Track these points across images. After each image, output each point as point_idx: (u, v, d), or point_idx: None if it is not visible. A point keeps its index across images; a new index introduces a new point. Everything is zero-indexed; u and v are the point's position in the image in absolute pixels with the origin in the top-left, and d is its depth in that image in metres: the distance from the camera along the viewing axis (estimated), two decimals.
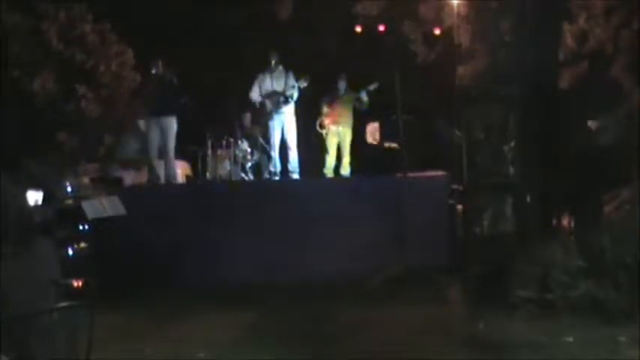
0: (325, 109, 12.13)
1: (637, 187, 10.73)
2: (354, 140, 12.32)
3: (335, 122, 12.05)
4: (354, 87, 12.24)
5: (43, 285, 4.72)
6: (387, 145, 12.39)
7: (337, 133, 12.08)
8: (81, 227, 9.79)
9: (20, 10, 14.01)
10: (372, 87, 11.99)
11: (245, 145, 12.45)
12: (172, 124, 11.19)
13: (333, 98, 12.19)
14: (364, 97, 12.01)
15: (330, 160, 12.07)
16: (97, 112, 14.48)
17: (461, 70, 13.46)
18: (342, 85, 12.19)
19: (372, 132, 12.91)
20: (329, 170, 12.06)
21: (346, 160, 12.13)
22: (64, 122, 14.33)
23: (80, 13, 14.69)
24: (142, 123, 11.55)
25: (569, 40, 10.64)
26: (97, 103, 14.52)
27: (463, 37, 13.72)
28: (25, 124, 13.48)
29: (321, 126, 12.10)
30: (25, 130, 13.38)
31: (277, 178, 11.76)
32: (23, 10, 14.06)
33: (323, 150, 12.16)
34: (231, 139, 12.23)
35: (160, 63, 11.35)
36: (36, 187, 10.71)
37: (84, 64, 14.57)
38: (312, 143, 12.36)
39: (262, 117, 11.97)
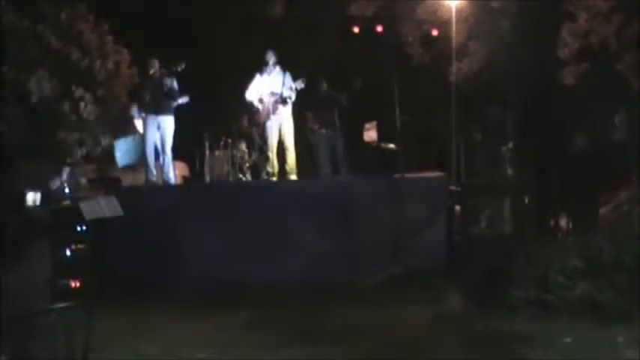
0: (309, 115, 11.91)
1: (636, 189, 10.76)
2: (351, 141, 12.24)
3: (324, 126, 11.87)
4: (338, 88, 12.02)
5: (38, 285, 4.72)
6: (384, 145, 12.36)
7: (326, 136, 11.88)
8: (79, 228, 9.77)
9: (18, 10, 14.01)
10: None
11: (243, 146, 12.43)
12: (170, 123, 11.19)
13: (313, 102, 11.99)
14: (344, 100, 11.72)
15: (325, 164, 11.92)
16: (94, 111, 14.48)
17: (458, 71, 13.48)
18: (323, 87, 11.99)
19: (370, 132, 12.86)
20: (324, 174, 11.90)
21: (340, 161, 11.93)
22: (61, 122, 14.33)
23: (81, 13, 14.74)
24: (139, 123, 11.52)
25: (568, 41, 10.65)
26: (94, 103, 14.52)
27: (461, 38, 13.74)
28: (22, 124, 13.49)
29: (311, 132, 11.94)
30: (22, 130, 13.40)
31: (275, 178, 11.72)
32: (22, 10, 14.07)
33: (316, 154, 11.97)
34: (229, 140, 12.20)
35: (157, 62, 11.34)
36: (33, 188, 10.73)
37: (80, 63, 14.57)
38: (309, 144, 12.28)
39: (260, 118, 11.93)
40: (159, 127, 11.20)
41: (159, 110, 11.18)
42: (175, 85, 11.26)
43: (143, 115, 11.41)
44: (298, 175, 11.76)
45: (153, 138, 11.26)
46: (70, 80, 14.46)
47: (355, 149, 12.31)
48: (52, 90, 14.19)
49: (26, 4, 14.36)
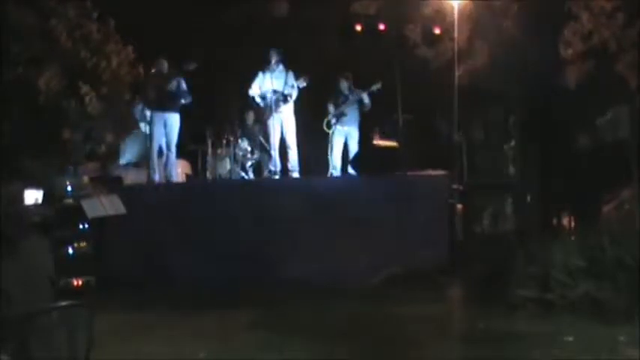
0: (331, 109, 12.08)
1: (637, 188, 10.75)
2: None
3: (341, 122, 12.01)
4: (356, 87, 12.16)
5: (40, 283, 4.71)
6: (387, 144, 12.37)
7: (343, 132, 12.03)
8: (81, 226, 9.80)
9: (26, 7, 14.03)
10: (374, 87, 11.87)
11: (245, 144, 12.46)
12: (176, 120, 11.23)
13: (337, 98, 12.14)
14: (366, 99, 11.95)
15: (336, 160, 12.03)
16: (99, 109, 14.50)
17: (461, 69, 13.46)
18: (344, 84, 12.13)
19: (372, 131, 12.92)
20: (334, 169, 12.02)
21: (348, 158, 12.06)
22: (67, 120, 14.34)
23: (87, 12, 14.78)
24: (142, 124, 11.54)
25: (571, 41, 10.66)
26: (99, 101, 14.55)
27: (463, 37, 13.73)
28: (28, 122, 13.50)
29: (328, 126, 12.05)
30: (27, 128, 13.41)
31: (277, 176, 11.75)
32: (30, 7, 14.09)
33: (329, 149, 12.09)
34: (231, 138, 12.23)
35: (165, 61, 11.36)
36: (36, 186, 10.73)
37: (87, 62, 14.61)
38: (312, 142, 12.31)
39: (262, 116, 11.96)
40: (165, 125, 11.24)
41: (166, 108, 11.21)
42: (183, 83, 11.30)
43: (147, 113, 11.42)
44: (300, 172, 11.80)
45: (159, 136, 11.28)
46: (75, 78, 14.48)
47: (359, 148, 12.33)
48: (58, 88, 14.21)
49: (34, 1, 14.39)
